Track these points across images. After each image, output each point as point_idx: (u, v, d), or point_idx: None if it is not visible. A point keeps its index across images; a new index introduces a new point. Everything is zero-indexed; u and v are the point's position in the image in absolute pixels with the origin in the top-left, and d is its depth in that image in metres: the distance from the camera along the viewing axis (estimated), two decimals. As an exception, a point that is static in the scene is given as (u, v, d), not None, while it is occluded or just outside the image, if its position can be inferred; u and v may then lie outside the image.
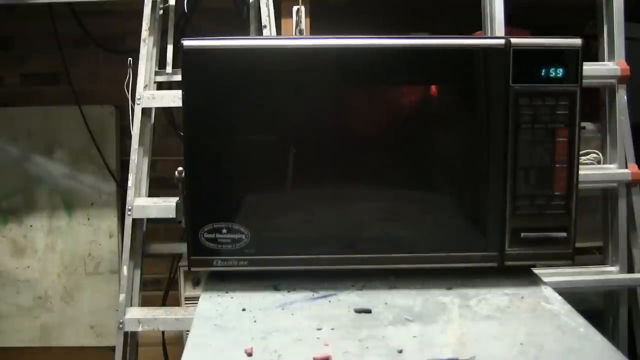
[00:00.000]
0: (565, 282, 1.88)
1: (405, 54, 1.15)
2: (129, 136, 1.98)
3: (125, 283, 1.94)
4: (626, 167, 1.95)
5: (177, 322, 1.95)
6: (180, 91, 1.13)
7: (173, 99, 1.94)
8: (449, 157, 1.16)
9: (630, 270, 1.98)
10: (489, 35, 1.89)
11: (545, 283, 1.18)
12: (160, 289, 2.63)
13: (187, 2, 2.00)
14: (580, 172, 1.16)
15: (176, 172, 1.18)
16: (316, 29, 2.15)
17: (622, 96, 1.94)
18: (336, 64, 1.14)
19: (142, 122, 1.95)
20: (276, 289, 1.16)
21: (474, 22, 1.99)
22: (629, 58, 1.93)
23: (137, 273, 2.02)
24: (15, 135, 2.69)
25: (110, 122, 2.71)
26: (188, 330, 1.04)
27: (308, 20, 2.14)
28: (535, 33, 2.04)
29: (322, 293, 1.14)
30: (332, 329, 0.99)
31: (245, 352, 0.91)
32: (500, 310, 1.07)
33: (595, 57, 1.99)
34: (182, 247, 1.27)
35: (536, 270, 1.22)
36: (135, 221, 1.96)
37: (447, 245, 1.17)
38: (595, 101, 2.00)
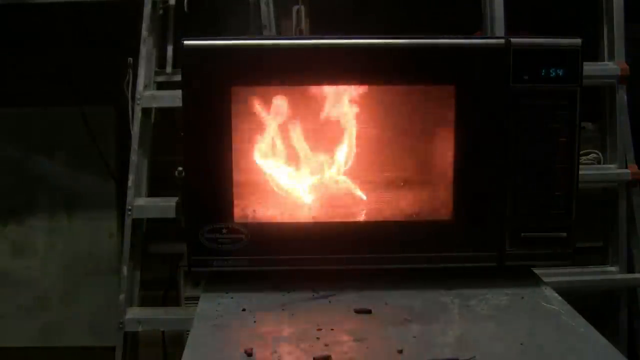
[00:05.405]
0: (565, 282, 1.88)
1: (405, 53, 1.15)
2: (129, 136, 1.98)
3: (125, 283, 1.94)
4: (626, 167, 1.95)
5: (177, 322, 1.95)
6: (180, 91, 1.13)
7: (173, 99, 1.94)
8: (449, 156, 1.16)
9: (630, 270, 1.98)
10: (489, 35, 1.89)
11: (545, 283, 1.18)
12: (160, 289, 2.62)
13: (187, 2, 2.00)
14: (580, 172, 1.16)
15: (176, 172, 1.18)
16: (316, 29, 2.15)
17: (622, 96, 1.94)
18: (335, 63, 1.14)
19: (142, 122, 1.96)
20: (276, 289, 1.15)
21: (474, 22, 1.99)
22: (629, 58, 1.93)
23: (137, 273, 2.02)
24: (15, 135, 2.69)
25: (110, 122, 2.70)
26: (188, 330, 1.04)
27: (308, 20, 2.14)
28: (533, 33, 2.04)
29: (322, 293, 1.14)
30: (332, 329, 0.99)
31: (245, 352, 0.91)
32: (500, 310, 1.07)
33: (595, 57, 1.99)
34: (182, 247, 1.26)
35: (536, 270, 1.22)
36: (135, 221, 1.96)
37: (447, 245, 1.17)
38: (595, 101, 2.00)
